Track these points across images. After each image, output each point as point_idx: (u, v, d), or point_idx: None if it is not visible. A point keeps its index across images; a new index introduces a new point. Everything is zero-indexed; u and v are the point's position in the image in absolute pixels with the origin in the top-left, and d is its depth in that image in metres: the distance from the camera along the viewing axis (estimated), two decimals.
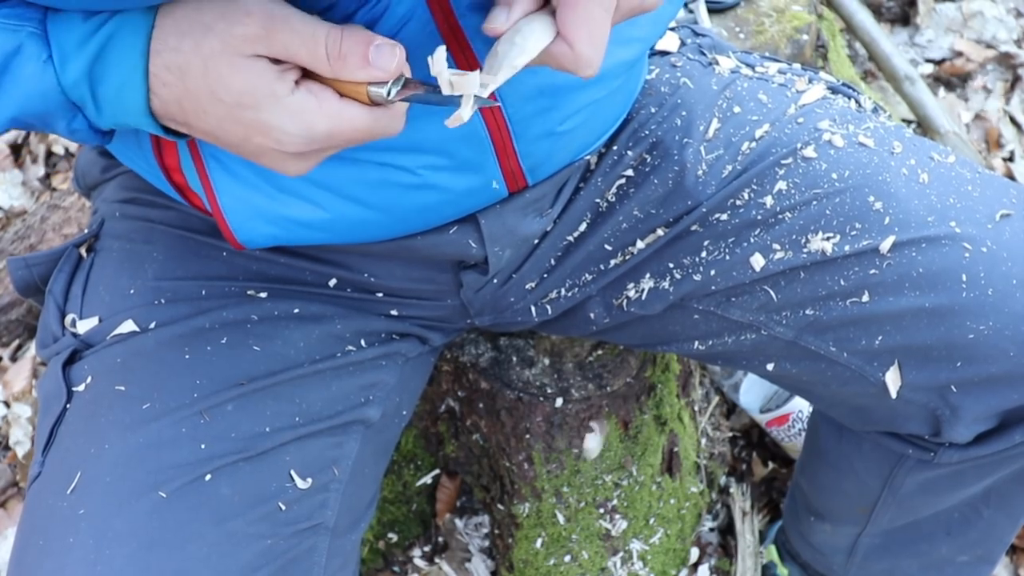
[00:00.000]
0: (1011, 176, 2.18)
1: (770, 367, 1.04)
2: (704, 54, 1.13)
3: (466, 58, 0.83)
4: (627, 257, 1.04)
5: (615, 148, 1.05)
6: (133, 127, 0.77)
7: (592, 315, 1.08)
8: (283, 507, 0.91)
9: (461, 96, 0.70)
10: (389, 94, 0.71)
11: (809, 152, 0.99)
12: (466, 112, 0.70)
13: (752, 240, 0.98)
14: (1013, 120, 2.30)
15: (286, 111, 0.71)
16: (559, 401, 1.28)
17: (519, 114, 0.89)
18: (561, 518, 1.38)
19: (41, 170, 2.26)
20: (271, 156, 0.75)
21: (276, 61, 0.71)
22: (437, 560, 1.59)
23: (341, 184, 0.89)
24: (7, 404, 1.88)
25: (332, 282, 1.03)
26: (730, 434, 1.67)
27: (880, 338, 0.95)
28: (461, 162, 0.90)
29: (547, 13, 0.71)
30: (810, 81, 1.09)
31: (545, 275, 1.06)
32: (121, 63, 0.72)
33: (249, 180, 0.89)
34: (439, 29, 0.81)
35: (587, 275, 1.06)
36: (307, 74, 0.72)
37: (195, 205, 0.97)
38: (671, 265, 1.02)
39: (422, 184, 0.90)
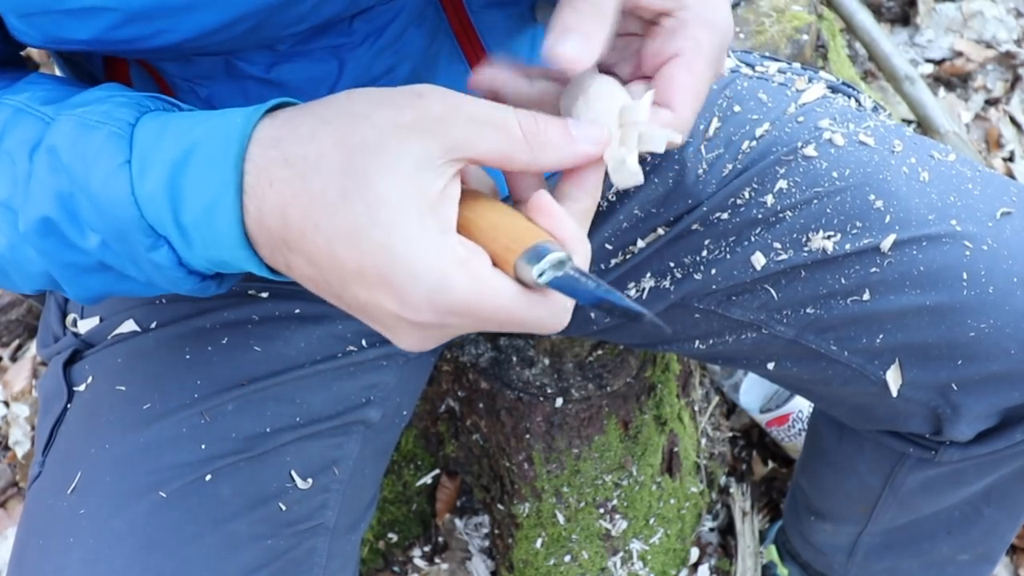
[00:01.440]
0: (1011, 176, 2.18)
1: (771, 366, 1.04)
2: None
3: (477, 57, 0.83)
4: (627, 256, 1.04)
5: None
6: (232, 269, 0.63)
7: (592, 315, 1.08)
8: (283, 507, 0.91)
9: (643, 313, 0.54)
10: (541, 275, 0.54)
11: (809, 151, 0.99)
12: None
13: (753, 239, 0.98)
14: (1013, 120, 2.30)
15: (426, 247, 0.53)
16: (559, 401, 1.28)
17: None
18: (561, 518, 1.38)
19: None
20: (384, 321, 0.58)
21: (444, 173, 0.56)
22: (437, 560, 1.59)
23: None
24: (7, 404, 1.88)
25: None
26: (730, 434, 1.67)
27: (881, 336, 0.95)
28: None
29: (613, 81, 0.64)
30: (810, 80, 1.09)
31: None
32: (210, 177, 0.57)
33: None
34: (451, 26, 0.81)
35: None
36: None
37: None
38: (672, 264, 1.02)
39: None
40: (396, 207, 0.53)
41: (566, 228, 0.58)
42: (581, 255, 0.59)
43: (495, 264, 0.56)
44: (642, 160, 0.63)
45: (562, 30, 0.60)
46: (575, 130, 0.57)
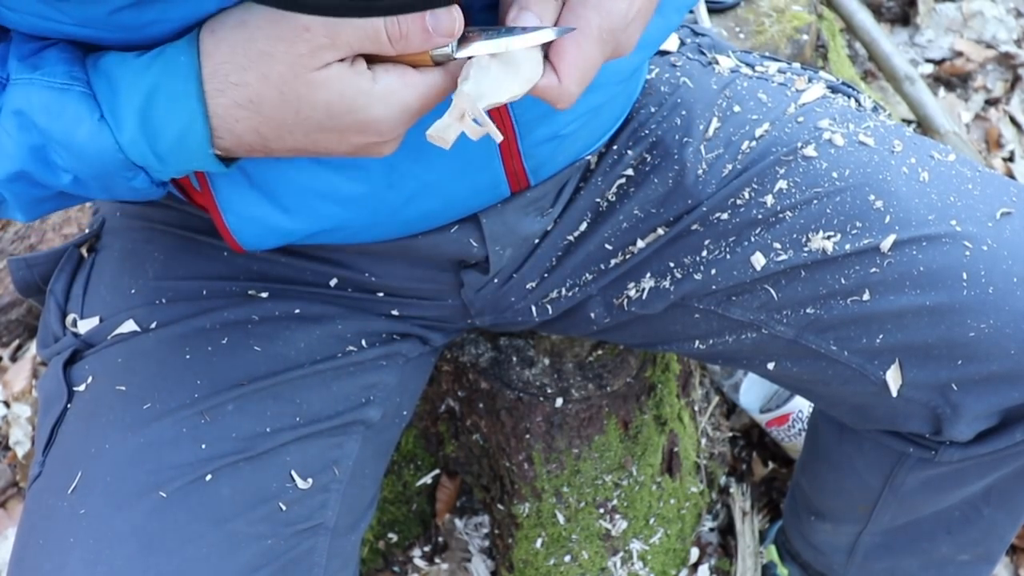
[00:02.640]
0: (1011, 176, 2.18)
1: (771, 366, 1.04)
2: (704, 53, 1.13)
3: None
4: (627, 256, 1.04)
5: (615, 148, 1.05)
6: (196, 169, 0.76)
7: (593, 315, 1.08)
8: (283, 507, 0.91)
9: (529, 32, 0.68)
10: (454, 52, 0.70)
11: (809, 151, 0.99)
12: (451, 134, 0.70)
13: (753, 239, 0.98)
14: (1013, 120, 2.30)
15: (379, 101, 0.70)
16: (559, 401, 1.28)
17: (524, 116, 0.89)
18: (561, 518, 1.38)
19: None
20: (369, 148, 0.74)
21: (343, 59, 0.69)
22: (437, 560, 1.59)
23: (347, 195, 0.89)
24: (7, 404, 1.88)
25: (333, 282, 1.03)
26: (730, 434, 1.67)
27: (881, 337, 0.95)
28: (466, 163, 0.90)
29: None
30: (810, 80, 1.10)
31: (546, 275, 1.06)
32: (178, 113, 0.70)
33: (253, 197, 0.89)
34: None
35: (587, 275, 1.06)
36: (370, 59, 0.71)
37: (197, 203, 0.97)
38: (672, 264, 1.02)
39: (428, 185, 0.90)
40: (340, 100, 0.69)
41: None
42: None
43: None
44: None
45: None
46: (431, 23, 0.68)
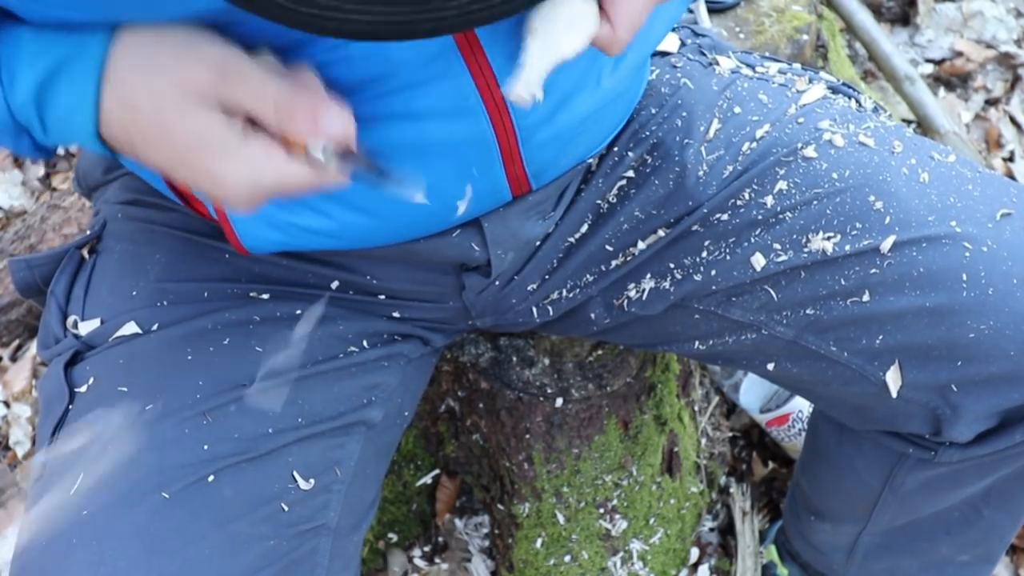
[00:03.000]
0: (1011, 176, 2.18)
1: (771, 367, 1.05)
2: (704, 54, 1.13)
3: (477, 61, 0.82)
4: (628, 258, 1.04)
5: (616, 149, 1.05)
6: (79, 146, 0.78)
7: (593, 315, 1.08)
8: (286, 508, 0.91)
9: (400, 180, 0.73)
10: (326, 159, 0.72)
11: (810, 152, 0.99)
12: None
13: (753, 240, 0.98)
14: (1013, 120, 2.30)
15: (233, 162, 0.71)
16: (559, 401, 1.29)
17: (526, 120, 0.89)
18: (561, 518, 1.38)
19: (41, 170, 2.26)
20: (220, 198, 0.75)
21: (227, 110, 0.71)
22: (437, 560, 1.59)
23: (349, 195, 0.89)
24: (7, 404, 1.88)
25: (334, 284, 1.03)
26: (730, 434, 1.67)
27: (881, 337, 0.95)
28: (468, 167, 0.90)
29: None
30: (810, 81, 1.10)
31: (547, 276, 1.06)
32: (73, 89, 0.71)
33: None
34: None
35: (588, 276, 1.06)
36: (256, 122, 0.72)
37: (199, 212, 0.97)
38: (672, 265, 1.02)
39: (429, 190, 0.90)
40: (199, 141, 0.71)
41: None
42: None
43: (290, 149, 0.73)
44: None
45: None
46: (322, 118, 0.70)
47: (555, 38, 0.71)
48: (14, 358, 1.94)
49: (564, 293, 1.07)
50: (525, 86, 0.70)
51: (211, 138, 0.70)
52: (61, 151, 2.28)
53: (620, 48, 0.74)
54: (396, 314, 1.06)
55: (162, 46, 0.70)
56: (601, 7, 0.73)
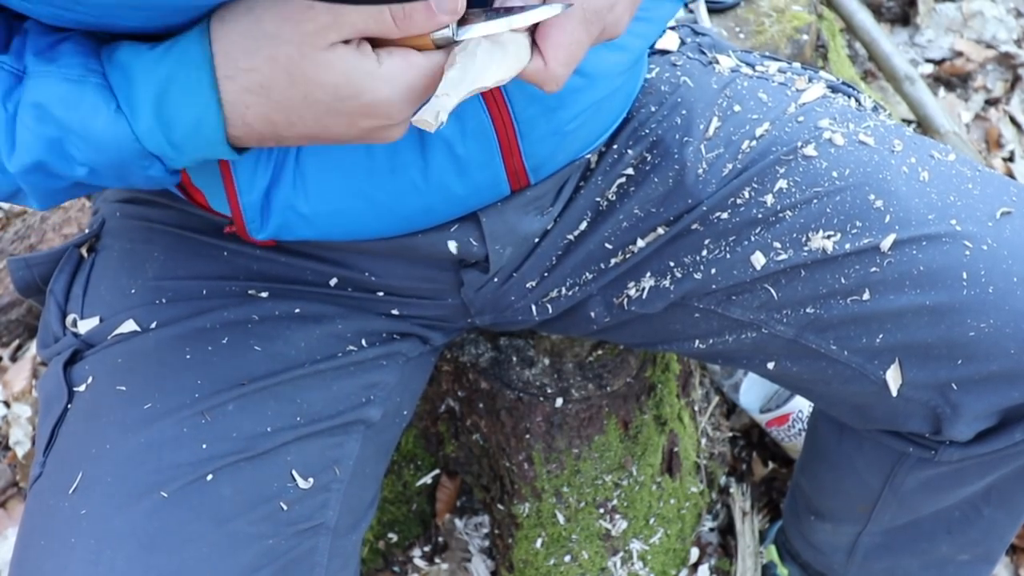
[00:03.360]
0: (1011, 176, 2.18)
1: (771, 366, 1.04)
2: (704, 53, 1.13)
3: None
4: (627, 256, 1.04)
5: (615, 147, 1.05)
6: (211, 157, 0.77)
7: (593, 314, 1.08)
8: (284, 507, 0.91)
9: (528, 10, 0.69)
10: (455, 34, 0.71)
11: (809, 150, 0.99)
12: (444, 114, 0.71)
13: (753, 239, 0.98)
14: (1013, 120, 2.30)
15: (385, 83, 0.70)
16: (559, 401, 1.28)
17: (525, 114, 0.89)
18: (561, 518, 1.38)
19: None
20: (378, 132, 0.75)
21: (347, 42, 0.70)
22: (437, 560, 1.59)
23: (351, 178, 0.89)
24: (7, 404, 1.88)
25: (333, 281, 1.03)
26: (730, 434, 1.67)
27: (881, 336, 0.95)
28: (467, 160, 0.90)
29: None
30: (810, 80, 1.10)
31: (546, 274, 1.06)
32: (192, 102, 0.71)
33: (265, 169, 0.89)
34: None
35: (588, 274, 1.06)
36: (375, 44, 0.71)
37: (197, 202, 0.97)
38: (672, 264, 1.02)
39: (428, 181, 0.90)
40: (347, 82, 0.70)
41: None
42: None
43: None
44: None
45: None
46: (435, 3, 0.68)
47: (475, 67, 0.70)
48: (14, 358, 1.94)
49: (563, 291, 1.07)
50: (429, 112, 0.70)
51: (352, 74, 0.69)
52: None
53: (556, 84, 0.73)
54: (395, 311, 1.06)
55: (265, 18, 0.69)
56: (535, 41, 0.72)
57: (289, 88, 0.70)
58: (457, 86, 0.70)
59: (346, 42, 0.69)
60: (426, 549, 1.61)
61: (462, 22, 0.71)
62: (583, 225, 1.05)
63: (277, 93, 0.70)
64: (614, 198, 1.04)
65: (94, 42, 0.74)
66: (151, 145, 0.73)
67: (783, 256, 0.97)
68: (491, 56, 0.70)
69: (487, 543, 1.58)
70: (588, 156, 1.03)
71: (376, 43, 0.71)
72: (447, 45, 0.71)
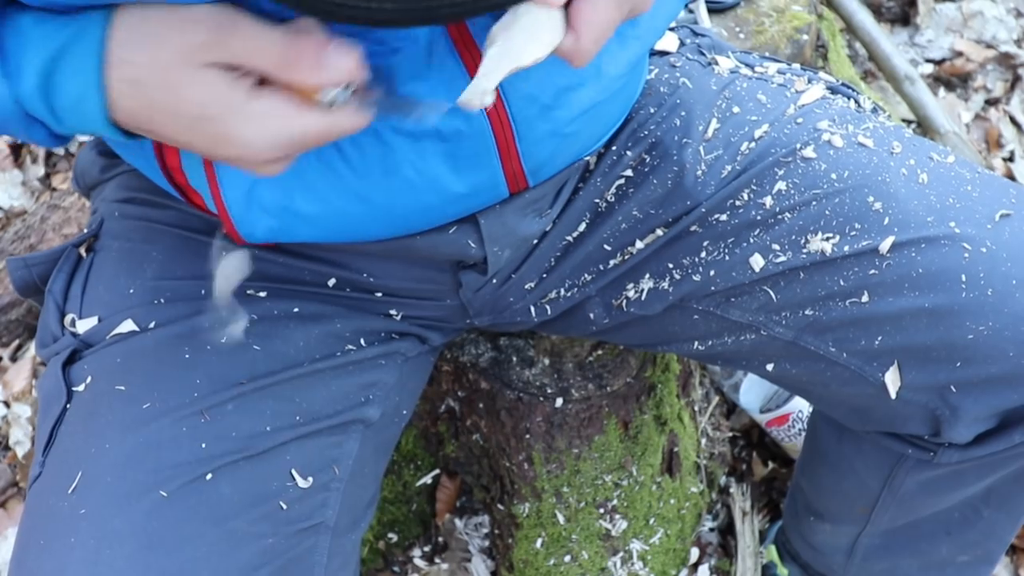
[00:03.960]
0: (1011, 176, 2.18)
1: (770, 367, 1.04)
2: (703, 54, 1.13)
3: (473, 59, 0.83)
4: (626, 257, 1.04)
5: (614, 148, 1.05)
6: (95, 134, 0.77)
7: (591, 315, 1.08)
8: (284, 506, 0.91)
9: (420, 106, 0.72)
10: (333, 103, 0.71)
11: (808, 152, 0.99)
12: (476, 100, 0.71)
13: (752, 240, 0.98)
14: (1013, 120, 2.30)
15: (246, 121, 0.70)
16: (559, 401, 1.28)
17: (523, 115, 0.89)
18: (561, 518, 1.38)
19: (41, 170, 2.26)
20: (242, 163, 0.74)
21: (231, 68, 0.69)
22: (437, 560, 1.59)
23: (346, 180, 0.89)
24: (7, 404, 1.88)
25: (331, 282, 1.03)
26: (730, 434, 1.67)
27: (880, 338, 0.95)
28: (465, 161, 0.90)
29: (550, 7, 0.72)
30: (809, 81, 1.10)
31: (544, 275, 1.06)
32: (76, 77, 0.71)
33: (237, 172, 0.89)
34: (446, 27, 0.81)
35: (586, 275, 1.06)
36: (264, 78, 0.71)
37: (195, 204, 0.97)
38: (670, 265, 1.02)
39: (425, 182, 0.90)
40: (210, 104, 0.70)
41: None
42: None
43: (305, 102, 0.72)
44: None
45: None
46: (327, 58, 0.68)
47: (513, 46, 0.70)
48: (14, 358, 1.94)
49: (562, 292, 1.07)
50: (473, 93, 0.70)
51: (219, 100, 0.70)
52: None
53: (585, 59, 0.73)
54: (393, 312, 1.06)
55: (154, 17, 0.69)
56: (568, 18, 0.72)
57: (160, 91, 0.70)
58: (498, 65, 0.70)
59: (230, 67, 0.69)
60: (426, 549, 1.61)
61: (361, 91, 0.71)
62: (582, 227, 1.05)
63: (150, 93, 0.71)
64: (613, 200, 1.04)
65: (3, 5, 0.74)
66: (32, 108, 0.73)
67: (782, 258, 0.97)
68: (530, 34, 0.70)
69: (487, 543, 1.58)
70: (587, 158, 1.03)
71: (270, 81, 0.70)
72: (331, 106, 0.71)
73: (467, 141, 0.89)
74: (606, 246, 1.04)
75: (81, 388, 0.94)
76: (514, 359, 1.29)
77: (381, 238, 0.97)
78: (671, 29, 1.17)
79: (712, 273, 1.00)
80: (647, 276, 1.04)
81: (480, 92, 0.70)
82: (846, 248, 0.94)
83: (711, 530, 1.64)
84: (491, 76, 0.70)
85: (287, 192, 0.90)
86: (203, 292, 0.99)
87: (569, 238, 1.05)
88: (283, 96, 0.71)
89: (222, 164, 0.86)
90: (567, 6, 0.71)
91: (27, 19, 0.72)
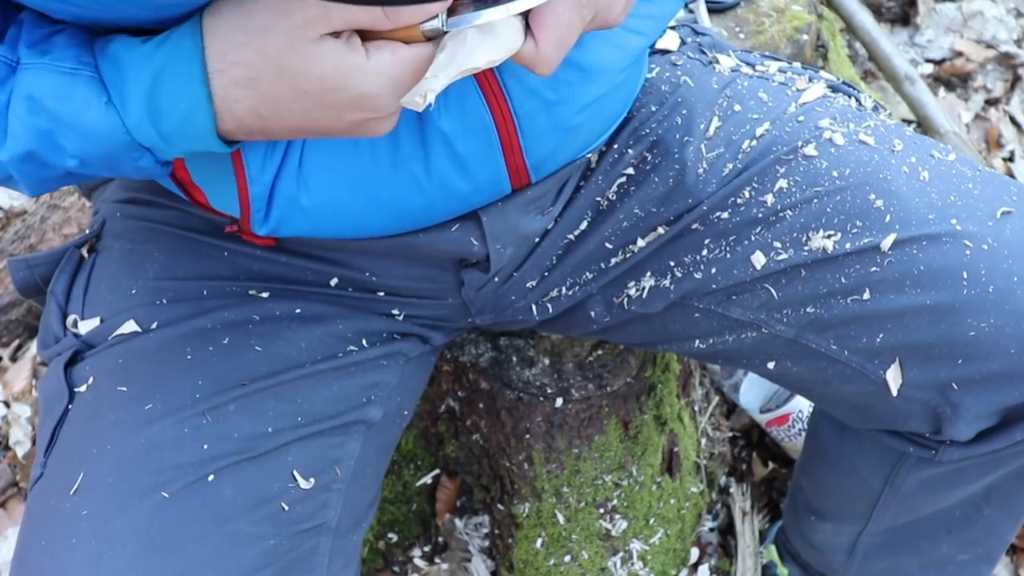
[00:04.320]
0: (1011, 176, 2.18)
1: (771, 366, 1.04)
2: (704, 53, 1.13)
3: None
4: (628, 255, 1.04)
5: (616, 146, 1.05)
6: (203, 150, 0.77)
7: (593, 314, 1.08)
8: (285, 507, 0.91)
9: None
10: (444, 25, 0.71)
11: (810, 150, 0.99)
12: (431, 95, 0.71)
13: (753, 238, 0.98)
14: (1013, 120, 2.30)
15: (372, 77, 0.71)
16: (559, 401, 1.28)
17: (524, 108, 0.89)
18: (561, 518, 1.38)
19: None
20: (366, 125, 0.75)
21: (338, 35, 0.70)
22: (437, 560, 1.59)
23: (352, 172, 0.89)
24: (7, 404, 1.88)
25: (333, 281, 1.03)
26: (730, 434, 1.67)
27: (881, 336, 0.95)
28: (468, 156, 0.90)
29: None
30: (810, 80, 1.10)
31: (546, 273, 1.06)
32: (182, 95, 0.71)
33: (272, 160, 0.89)
34: None
35: (588, 273, 1.06)
36: (364, 37, 0.72)
37: (197, 202, 0.97)
38: (672, 263, 1.02)
39: (429, 177, 0.90)
40: (334, 74, 0.70)
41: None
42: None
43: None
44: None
45: None
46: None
47: (464, 48, 0.70)
48: (14, 358, 1.94)
49: (564, 291, 1.07)
50: (416, 93, 0.71)
51: (340, 67, 0.70)
52: None
53: (548, 66, 0.73)
54: (395, 311, 1.06)
55: (249, 11, 0.69)
56: (527, 23, 0.72)
57: (277, 80, 0.71)
58: (446, 68, 0.70)
59: (336, 35, 0.70)
60: (426, 549, 1.61)
61: (452, 11, 0.71)
62: (583, 225, 1.05)
63: (266, 85, 0.71)
64: (614, 198, 1.04)
65: (87, 35, 0.74)
66: (141, 137, 0.73)
67: (783, 256, 0.97)
68: (481, 39, 0.71)
69: (487, 543, 1.58)
70: (588, 156, 1.03)
71: (365, 35, 0.71)
72: (436, 37, 0.72)
73: (471, 136, 0.89)
74: (608, 244, 1.04)
75: (83, 389, 0.94)
76: (514, 359, 1.29)
77: (384, 234, 0.97)
78: (672, 28, 1.17)
79: (713, 271, 1.00)
80: (648, 274, 1.04)
81: (423, 92, 0.70)
82: (847, 245, 0.94)
83: (711, 530, 1.64)
84: (438, 78, 0.70)
85: (297, 184, 0.89)
86: (205, 292, 0.99)
87: (571, 236, 1.05)
88: (392, 44, 0.71)
89: (329, 137, 0.84)
90: (526, 12, 0.71)
91: (118, 47, 0.73)
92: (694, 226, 1.01)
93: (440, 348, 1.18)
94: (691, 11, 1.64)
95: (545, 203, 1.01)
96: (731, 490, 1.64)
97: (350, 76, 0.70)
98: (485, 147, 0.90)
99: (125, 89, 0.72)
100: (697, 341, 1.07)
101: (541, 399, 1.28)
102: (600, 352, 1.29)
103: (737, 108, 1.04)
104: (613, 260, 1.05)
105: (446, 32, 0.71)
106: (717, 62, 1.12)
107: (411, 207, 0.93)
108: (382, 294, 1.05)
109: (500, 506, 1.43)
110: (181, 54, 0.71)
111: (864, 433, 1.12)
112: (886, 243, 0.93)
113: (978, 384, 0.94)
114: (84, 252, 1.06)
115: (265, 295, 1.00)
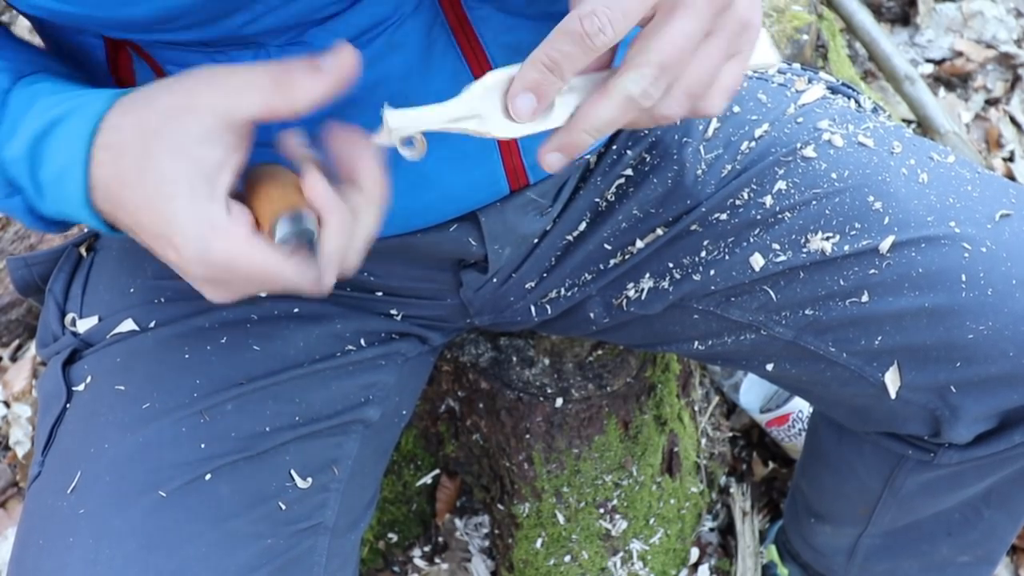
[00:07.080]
0: (1011, 176, 2.18)
1: (770, 367, 1.04)
2: None
3: (474, 52, 0.83)
4: (627, 257, 1.04)
5: (614, 147, 1.05)
6: (73, 219, 0.74)
7: (592, 315, 1.08)
8: (283, 507, 0.91)
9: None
10: (285, 239, 0.67)
11: (809, 152, 0.99)
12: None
13: (752, 240, 0.98)
14: (1013, 120, 2.30)
15: (193, 215, 0.66)
16: (559, 401, 1.28)
17: None
18: (561, 518, 1.38)
19: None
20: (179, 268, 0.70)
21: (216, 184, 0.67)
22: (437, 560, 1.59)
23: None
24: (7, 404, 1.88)
25: None
26: (730, 434, 1.67)
27: (879, 338, 0.95)
28: (466, 156, 0.90)
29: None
30: (810, 81, 1.10)
31: (545, 274, 1.06)
32: (62, 148, 0.69)
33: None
34: (447, 20, 0.81)
35: (587, 275, 1.06)
36: (263, 211, 0.68)
37: None
38: (671, 265, 1.02)
39: (426, 178, 0.90)
40: (174, 182, 0.66)
41: (317, 195, 0.69)
42: (334, 222, 0.70)
43: (261, 227, 0.68)
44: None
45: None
46: (321, 61, 0.67)
47: (470, 106, 0.67)
48: (14, 358, 1.94)
49: (562, 292, 1.07)
50: (387, 135, 0.68)
51: (185, 180, 0.66)
52: None
53: (573, 151, 0.69)
54: (393, 311, 1.06)
55: (164, 85, 0.68)
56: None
57: (134, 157, 0.67)
58: (441, 114, 0.68)
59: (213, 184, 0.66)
60: (426, 549, 1.61)
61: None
62: (582, 226, 1.05)
63: (124, 159, 0.67)
64: (613, 199, 1.04)
65: (27, 68, 0.74)
66: (14, 173, 0.72)
67: (782, 257, 0.97)
68: (496, 104, 0.68)
69: (487, 543, 1.58)
70: (587, 157, 1.03)
71: (258, 209, 0.67)
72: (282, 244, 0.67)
73: (469, 135, 0.89)
74: (606, 245, 1.04)
75: (81, 388, 0.94)
76: (514, 359, 1.29)
77: (382, 234, 0.97)
78: None
79: (712, 272, 1.00)
80: (647, 275, 1.04)
81: (404, 130, 0.68)
82: (846, 248, 0.94)
83: (711, 530, 1.64)
84: (426, 121, 0.68)
85: None
86: None
87: (569, 237, 1.05)
88: (241, 214, 0.68)
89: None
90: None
91: (45, 85, 0.72)
92: (693, 227, 1.01)
93: (439, 348, 1.18)
94: None
95: (544, 204, 1.01)
96: (731, 490, 1.64)
97: (181, 193, 0.66)
98: (483, 147, 0.90)
99: (20, 123, 0.70)
100: (696, 342, 1.07)
101: (541, 399, 1.28)
102: (600, 352, 1.29)
103: (736, 109, 1.04)
104: (612, 261, 1.05)
105: (287, 240, 0.67)
106: None
107: (408, 208, 0.93)
108: (380, 294, 1.05)
109: (500, 506, 1.43)
110: (84, 112, 0.69)
111: (863, 436, 1.12)
112: (885, 245, 0.93)
113: (976, 387, 0.94)
114: (83, 251, 1.06)
115: (263, 294, 1.00)
